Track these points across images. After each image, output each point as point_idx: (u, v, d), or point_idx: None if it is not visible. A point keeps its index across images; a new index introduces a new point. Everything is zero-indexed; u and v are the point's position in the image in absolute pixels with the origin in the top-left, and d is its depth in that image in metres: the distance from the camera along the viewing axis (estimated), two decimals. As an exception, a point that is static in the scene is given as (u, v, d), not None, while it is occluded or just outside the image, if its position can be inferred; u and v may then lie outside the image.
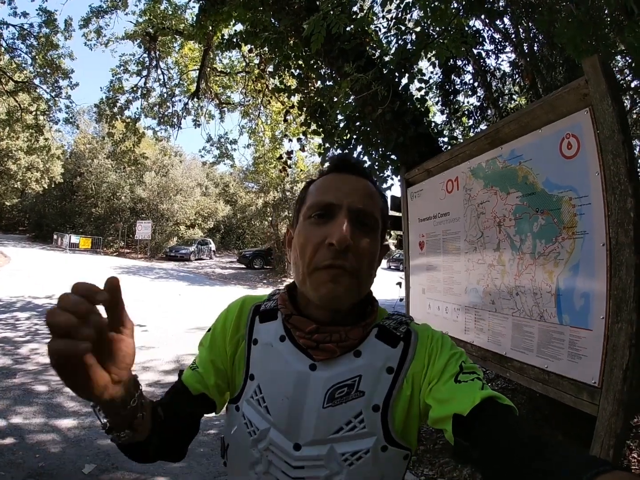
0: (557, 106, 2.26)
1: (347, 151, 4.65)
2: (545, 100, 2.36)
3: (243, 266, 27.66)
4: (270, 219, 28.33)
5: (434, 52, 3.58)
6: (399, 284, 4.60)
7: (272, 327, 0.98)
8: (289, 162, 6.05)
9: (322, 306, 0.90)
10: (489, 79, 5.73)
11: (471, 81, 5.71)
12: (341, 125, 4.58)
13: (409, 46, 3.88)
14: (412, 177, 3.85)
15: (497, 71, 5.96)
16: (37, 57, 11.42)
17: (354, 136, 4.57)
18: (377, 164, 4.54)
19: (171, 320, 10.76)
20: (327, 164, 1.05)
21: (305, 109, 4.80)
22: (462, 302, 3.09)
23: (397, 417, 0.88)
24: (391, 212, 4.46)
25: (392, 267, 34.03)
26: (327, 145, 4.68)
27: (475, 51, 5.59)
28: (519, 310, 2.52)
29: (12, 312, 10.42)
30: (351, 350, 0.91)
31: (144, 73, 12.04)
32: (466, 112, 5.80)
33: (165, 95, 12.52)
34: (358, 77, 3.49)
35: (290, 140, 6.68)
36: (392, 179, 4.70)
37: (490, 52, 5.88)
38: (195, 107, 12.91)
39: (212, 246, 34.33)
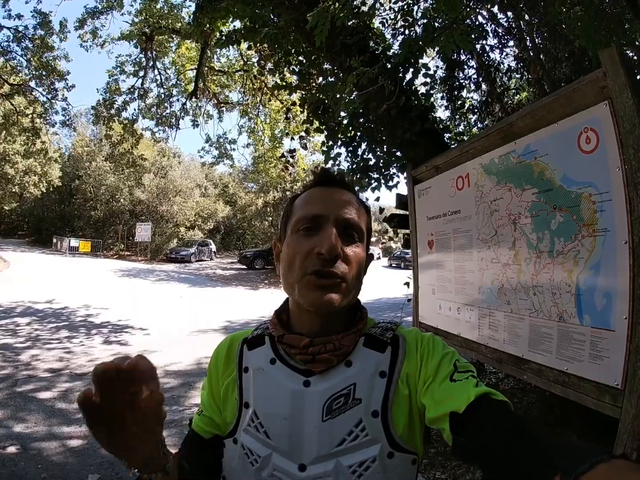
0: (574, 99, 2.16)
1: (351, 148, 4.56)
2: (561, 94, 2.26)
3: (244, 267, 27.59)
4: (270, 219, 28.30)
5: (441, 45, 3.47)
6: (407, 284, 4.50)
7: (262, 352, 0.99)
8: (290, 160, 5.95)
9: (312, 312, 0.92)
10: (493, 74, 5.63)
11: (475, 76, 5.62)
12: (344, 122, 4.48)
13: (416, 38, 3.79)
14: (419, 174, 3.75)
15: (501, 65, 5.88)
16: (32, 59, 11.32)
17: (358, 133, 4.47)
18: (382, 161, 4.44)
19: (173, 323, 10.69)
20: (311, 178, 1.07)
21: (307, 106, 4.69)
22: (475, 303, 3.00)
23: (398, 421, 0.88)
24: (397, 211, 4.37)
25: (393, 265, 34.09)
26: (330, 143, 4.58)
27: (477, 46, 5.50)
28: (537, 310, 2.42)
29: (12, 317, 10.45)
30: (345, 359, 0.92)
31: (141, 74, 11.94)
32: (471, 108, 5.70)
33: (163, 95, 12.45)
34: (364, 71, 3.38)
35: (292, 138, 6.52)
36: (397, 176, 4.60)
37: (493, 47, 5.80)
38: (193, 107, 12.84)
39: (213, 247, 34.16)
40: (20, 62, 11.69)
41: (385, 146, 4.32)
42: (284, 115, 6.37)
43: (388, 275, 26.86)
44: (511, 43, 5.88)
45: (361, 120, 4.36)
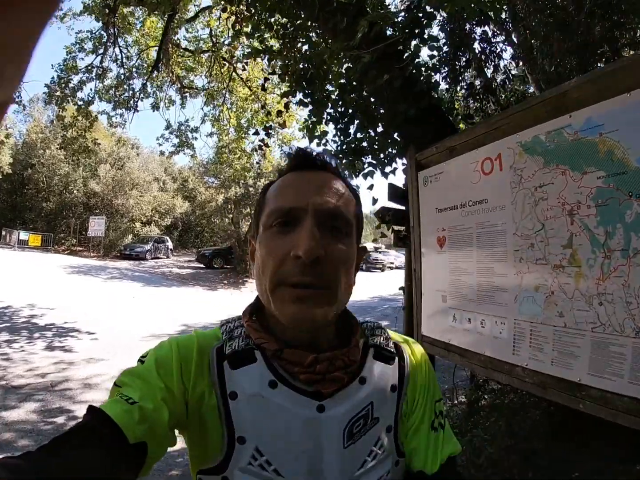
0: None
1: (341, 126, 3.87)
2: (635, 59, 1.81)
3: (202, 266, 27.00)
4: (231, 215, 27.71)
5: (461, 7, 2.88)
6: (402, 288, 3.90)
7: (254, 373, 0.80)
8: (266, 139, 5.16)
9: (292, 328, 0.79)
10: (495, 60, 5.15)
11: (479, 57, 5.10)
12: (334, 94, 3.82)
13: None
14: (426, 158, 3.13)
15: (504, 52, 5.44)
16: None
17: (350, 110, 3.81)
18: (376, 143, 3.79)
19: (124, 327, 9.92)
20: (285, 161, 0.91)
21: (289, 75, 3.97)
22: (510, 314, 2.40)
23: (402, 431, 0.89)
24: (390, 204, 3.77)
25: (364, 268, 33.92)
26: (314, 119, 3.90)
27: (478, 30, 5.03)
28: (603, 324, 1.87)
29: None
30: (356, 376, 0.84)
31: (101, 51, 11.06)
32: (477, 92, 5.15)
33: (123, 76, 11.57)
34: (365, 30, 2.77)
35: (257, 132, 5.74)
36: (395, 162, 3.96)
37: (495, 33, 5.32)
38: (153, 88, 12.02)
39: (170, 244, 33.15)
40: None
41: (381, 125, 3.68)
42: (261, 87, 5.58)
43: (360, 279, 26.86)
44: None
45: (352, 95, 3.72)
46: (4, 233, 29.58)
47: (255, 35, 4.40)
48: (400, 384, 0.88)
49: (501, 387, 4.58)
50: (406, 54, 3.45)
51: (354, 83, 3.61)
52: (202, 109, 12.23)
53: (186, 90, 12.27)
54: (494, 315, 2.50)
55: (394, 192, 3.56)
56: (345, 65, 3.70)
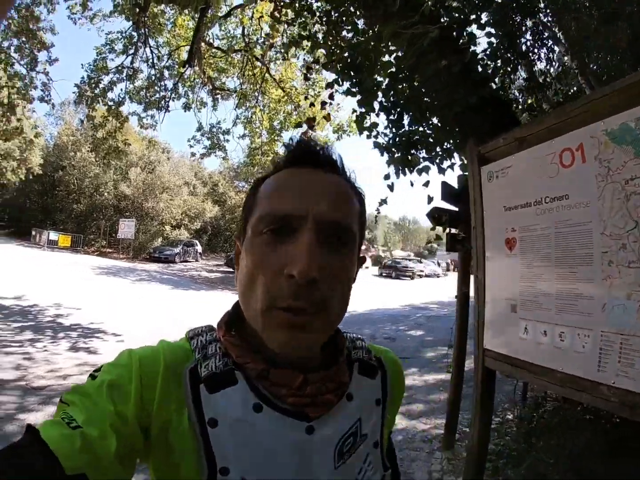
0: None
1: (393, 117, 3.51)
2: None
3: (231, 270, 26.76)
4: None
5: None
6: (465, 295, 3.57)
7: (236, 396, 0.71)
8: (327, 109, 4.72)
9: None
10: (547, 52, 4.80)
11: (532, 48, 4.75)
12: (383, 84, 3.51)
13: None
14: (490, 151, 2.80)
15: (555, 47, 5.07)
16: (11, 22, 10.25)
17: (401, 100, 3.49)
18: (431, 137, 3.46)
19: (151, 329, 9.59)
20: (282, 154, 0.79)
21: (334, 62, 3.67)
22: (595, 326, 2.05)
23: (385, 443, 0.87)
24: (443, 205, 3.47)
25: (383, 274, 33.68)
26: (362, 110, 3.58)
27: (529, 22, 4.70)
28: None
29: None
30: (343, 393, 0.79)
31: (131, 51, 10.96)
32: (533, 83, 4.78)
33: (154, 77, 11.46)
34: (429, 6, 2.47)
35: (299, 125, 5.32)
36: (452, 157, 3.60)
37: (547, 25, 4.97)
38: (185, 89, 11.88)
39: (199, 248, 33.36)
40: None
41: (435, 116, 3.36)
42: (303, 75, 5.27)
43: (381, 285, 26.72)
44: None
45: (401, 85, 3.41)
46: (34, 233, 30.05)
47: (297, 21, 4.12)
48: (383, 397, 0.86)
49: (556, 405, 4.26)
50: (462, 40, 3.16)
51: (405, 72, 3.31)
52: (235, 109, 12.00)
53: (218, 91, 12.11)
54: (576, 327, 2.16)
55: (448, 191, 3.26)
56: (393, 55, 3.40)
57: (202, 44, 10.41)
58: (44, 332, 8.72)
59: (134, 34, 10.85)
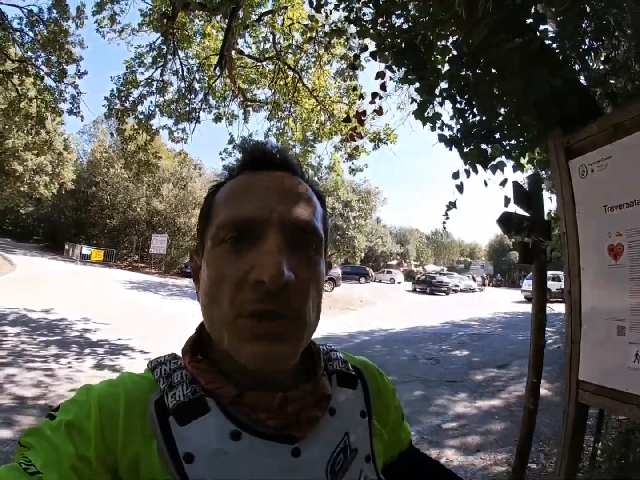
0: None
1: (460, 105, 2.94)
2: None
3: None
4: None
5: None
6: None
7: (210, 426, 0.64)
8: (359, 129, 4.29)
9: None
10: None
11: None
12: (445, 69, 2.98)
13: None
14: (581, 141, 2.29)
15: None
16: (38, 33, 10.30)
17: (466, 87, 2.95)
18: (504, 129, 2.90)
19: (180, 347, 9.32)
20: (237, 158, 0.77)
21: (385, 47, 3.16)
22: None
23: (379, 457, 0.80)
24: (513, 209, 2.94)
25: (417, 289, 32.96)
26: (423, 97, 3.04)
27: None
28: None
29: (1, 325, 9.61)
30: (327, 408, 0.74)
31: (160, 63, 10.83)
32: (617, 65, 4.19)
33: (184, 90, 11.32)
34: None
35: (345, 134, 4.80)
36: (531, 151, 3.02)
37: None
38: (216, 100, 11.67)
39: (230, 263, 33.53)
40: (32, 45, 10.66)
41: (509, 104, 2.82)
42: (350, 67, 4.78)
43: (416, 301, 26.29)
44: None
45: (465, 71, 2.89)
46: (67, 247, 30.88)
47: (342, 5, 3.64)
48: (367, 407, 0.80)
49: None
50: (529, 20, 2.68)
51: (468, 57, 2.81)
52: (266, 119, 11.68)
53: (249, 103, 11.86)
54: None
55: (522, 193, 2.74)
56: (451, 40, 2.91)
57: (233, 52, 10.20)
58: (69, 347, 8.59)
59: (163, 46, 10.75)
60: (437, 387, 7.18)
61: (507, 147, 2.90)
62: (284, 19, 10.04)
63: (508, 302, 25.38)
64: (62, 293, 14.60)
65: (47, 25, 10.36)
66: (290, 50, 10.31)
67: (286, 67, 10.40)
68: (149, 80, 11.00)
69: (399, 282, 39.36)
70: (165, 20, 9.61)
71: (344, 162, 11.77)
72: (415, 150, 70.91)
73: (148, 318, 12.84)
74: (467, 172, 2.93)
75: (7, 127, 15.03)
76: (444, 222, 3.38)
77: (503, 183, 2.92)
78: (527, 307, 21.73)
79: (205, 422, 0.64)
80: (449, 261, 70.62)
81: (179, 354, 0.76)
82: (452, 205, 3.16)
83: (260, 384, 0.67)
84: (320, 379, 0.74)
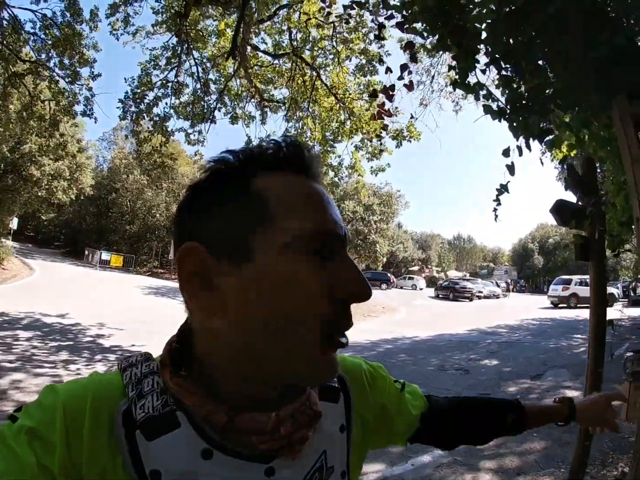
0: None
1: (507, 73, 2.47)
2: None
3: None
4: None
5: None
6: (611, 323, 2.61)
7: (179, 443, 0.58)
8: (387, 105, 3.84)
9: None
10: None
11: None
12: (485, 33, 2.54)
13: None
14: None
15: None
16: (51, 35, 10.18)
17: (512, 50, 2.49)
18: (559, 99, 2.42)
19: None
20: (263, 150, 0.64)
21: (414, 14, 2.71)
22: None
23: (355, 471, 0.79)
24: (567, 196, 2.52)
25: (440, 295, 32.39)
26: (462, 64, 2.61)
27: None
28: None
29: (14, 329, 9.65)
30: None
31: (175, 63, 10.68)
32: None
33: (199, 91, 11.13)
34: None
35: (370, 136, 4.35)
36: (592, 122, 2.53)
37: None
38: (231, 99, 11.43)
39: (248, 269, 33.66)
40: (45, 47, 10.56)
41: (563, 68, 2.36)
42: (375, 35, 4.37)
43: (440, 307, 25.90)
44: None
45: (503, 40, 2.44)
46: (87, 252, 31.13)
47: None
48: (347, 422, 0.76)
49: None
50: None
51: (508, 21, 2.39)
52: (284, 119, 11.41)
53: (266, 104, 11.61)
54: None
55: (577, 180, 2.32)
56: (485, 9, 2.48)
57: (248, 48, 9.93)
58: (80, 353, 8.47)
59: (178, 46, 10.63)
60: (468, 401, 6.77)
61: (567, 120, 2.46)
62: (300, 15, 9.79)
63: (535, 308, 24.84)
64: (78, 298, 14.64)
65: (61, 29, 10.30)
66: (307, 46, 10.05)
67: (303, 64, 10.16)
68: (164, 82, 10.88)
69: (421, 288, 38.77)
70: (178, 19, 9.45)
71: (367, 161, 11.44)
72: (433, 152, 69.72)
73: (164, 324, 12.57)
74: (519, 149, 2.49)
75: (24, 132, 15.05)
76: (494, 209, 2.92)
77: (563, 160, 2.48)
78: (555, 313, 21.26)
79: (175, 438, 0.58)
80: (472, 267, 69.51)
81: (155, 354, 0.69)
82: (503, 188, 2.71)
83: (253, 402, 0.62)
84: (311, 395, 0.68)
